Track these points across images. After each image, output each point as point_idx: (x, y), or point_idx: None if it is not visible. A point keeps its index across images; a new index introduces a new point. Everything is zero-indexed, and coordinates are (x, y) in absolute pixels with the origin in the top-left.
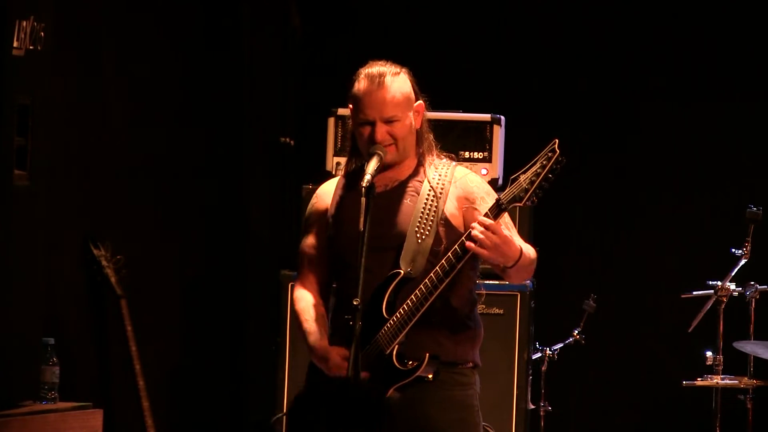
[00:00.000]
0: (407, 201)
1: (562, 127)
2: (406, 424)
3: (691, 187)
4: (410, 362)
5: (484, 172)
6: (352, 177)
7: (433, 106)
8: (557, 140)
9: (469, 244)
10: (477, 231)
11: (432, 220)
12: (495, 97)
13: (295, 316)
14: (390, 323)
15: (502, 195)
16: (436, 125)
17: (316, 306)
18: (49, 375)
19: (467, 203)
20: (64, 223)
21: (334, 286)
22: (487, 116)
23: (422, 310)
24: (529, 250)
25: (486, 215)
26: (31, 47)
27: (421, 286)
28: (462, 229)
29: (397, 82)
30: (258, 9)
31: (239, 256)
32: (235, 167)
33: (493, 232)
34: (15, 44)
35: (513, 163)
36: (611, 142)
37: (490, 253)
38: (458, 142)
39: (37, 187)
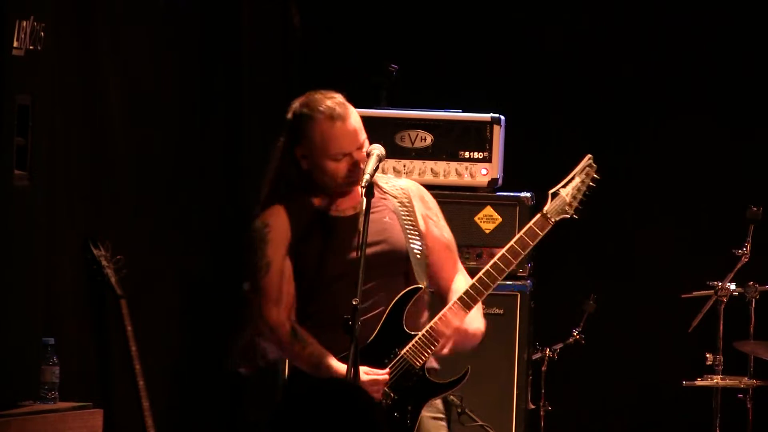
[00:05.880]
0: (387, 219)
1: (562, 127)
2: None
3: (691, 187)
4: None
5: (484, 172)
6: (317, 212)
7: (433, 106)
8: (591, 156)
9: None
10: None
11: (417, 234)
12: (495, 97)
13: (290, 351)
14: (420, 338)
15: (547, 208)
16: (436, 125)
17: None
18: (49, 375)
19: (428, 218)
20: (64, 223)
21: (309, 313)
22: (487, 116)
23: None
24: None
25: (503, 257)
26: (31, 47)
27: (457, 300)
28: (427, 241)
29: (350, 106)
30: (258, 9)
31: (239, 256)
32: (235, 167)
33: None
34: (15, 44)
35: (513, 163)
36: (611, 142)
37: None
38: (458, 142)
39: (37, 187)
